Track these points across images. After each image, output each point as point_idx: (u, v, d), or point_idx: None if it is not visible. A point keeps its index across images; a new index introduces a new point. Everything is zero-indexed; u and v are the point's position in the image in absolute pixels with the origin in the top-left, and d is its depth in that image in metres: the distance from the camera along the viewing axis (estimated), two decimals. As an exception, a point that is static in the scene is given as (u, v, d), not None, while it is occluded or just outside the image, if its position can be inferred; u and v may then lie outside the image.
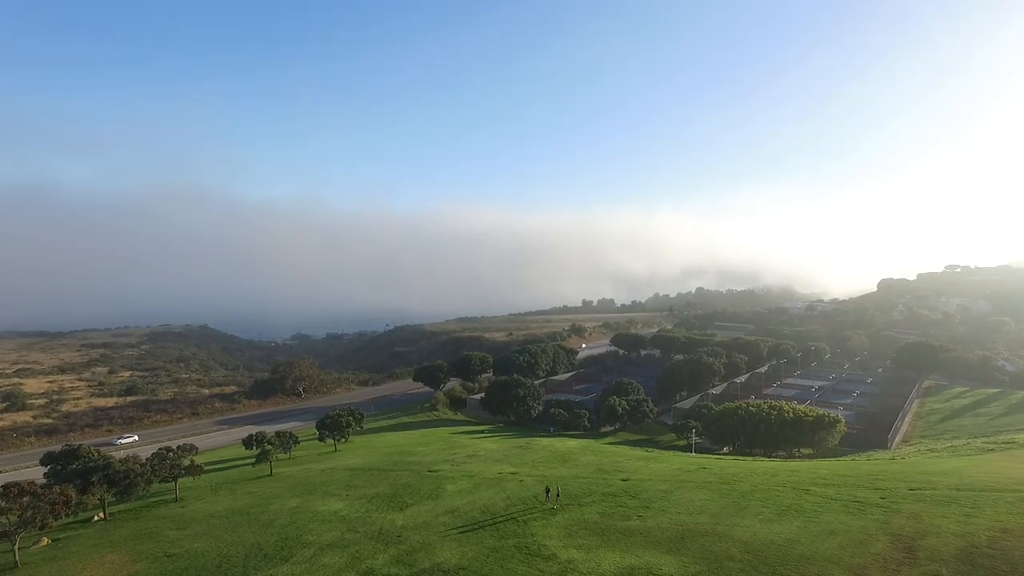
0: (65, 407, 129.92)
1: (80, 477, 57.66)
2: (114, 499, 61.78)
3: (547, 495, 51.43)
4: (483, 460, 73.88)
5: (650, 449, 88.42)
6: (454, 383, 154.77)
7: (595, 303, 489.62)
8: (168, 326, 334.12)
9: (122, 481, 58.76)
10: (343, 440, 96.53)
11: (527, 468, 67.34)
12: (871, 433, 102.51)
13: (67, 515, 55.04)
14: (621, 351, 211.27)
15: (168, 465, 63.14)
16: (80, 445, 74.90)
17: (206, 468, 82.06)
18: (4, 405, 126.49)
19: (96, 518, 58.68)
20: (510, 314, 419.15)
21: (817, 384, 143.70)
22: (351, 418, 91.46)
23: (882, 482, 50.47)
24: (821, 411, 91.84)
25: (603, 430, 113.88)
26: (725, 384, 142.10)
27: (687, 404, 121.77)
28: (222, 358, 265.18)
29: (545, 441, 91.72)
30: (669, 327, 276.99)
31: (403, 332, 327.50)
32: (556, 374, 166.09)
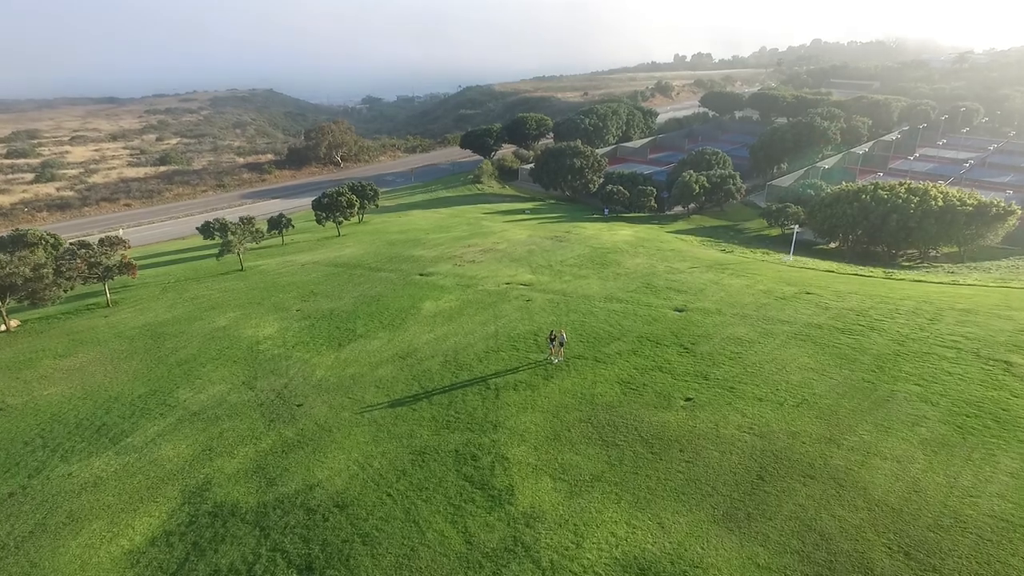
0: (94, 178, 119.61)
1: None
2: (24, 305, 48.60)
3: (551, 344, 31.78)
4: (498, 258, 54.79)
5: (729, 246, 65.74)
6: (507, 151, 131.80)
7: (688, 59, 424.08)
8: (234, 90, 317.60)
9: (12, 288, 44.51)
10: (361, 219, 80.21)
11: (547, 277, 47.67)
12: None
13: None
14: (712, 113, 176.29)
15: (86, 265, 48.21)
16: (29, 231, 61.94)
17: (186, 256, 68.78)
18: (34, 176, 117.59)
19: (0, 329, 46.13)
20: (591, 72, 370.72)
21: (968, 157, 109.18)
22: (354, 197, 73.02)
23: None
24: (986, 198, 63.87)
25: (674, 211, 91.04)
26: (839, 155, 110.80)
27: (786, 182, 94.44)
28: (284, 123, 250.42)
29: (592, 228, 70.86)
30: (773, 85, 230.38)
31: (471, 93, 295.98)
32: (629, 140, 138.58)
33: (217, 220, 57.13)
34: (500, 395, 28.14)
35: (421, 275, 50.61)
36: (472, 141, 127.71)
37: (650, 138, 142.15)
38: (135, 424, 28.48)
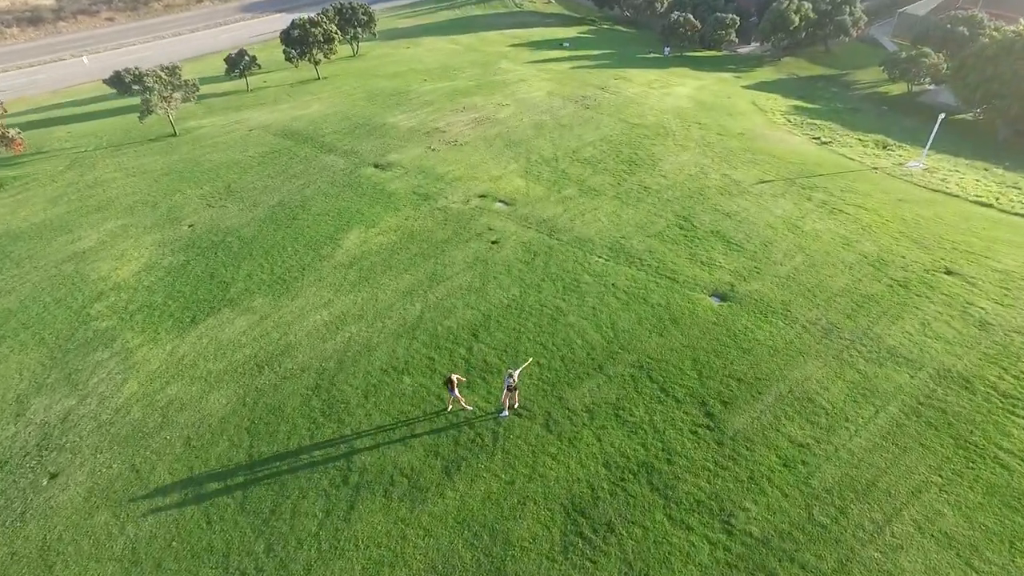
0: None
1: None
2: None
3: (450, 392, 17.85)
4: (491, 139, 38.58)
5: (827, 127, 45.24)
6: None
7: None
8: None
9: None
10: (355, 52, 62.75)
11: (542, 188, 31.90)
12: None
13: None
14: None
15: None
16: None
17: (135, 104, 54.63)
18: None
19: None
20: None
21: None
22: (333, 28, 54.92)
23: None
24: None
25: (760, 51, 67.46)
26: (1011, -37, 78.16)
27: (923, 8, 66.90)
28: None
29: (640, 80, 51.26)
30: None
31: None
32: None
33: (128, 71, 42.07)
34: (355, 509, 15.62)
35: (376, 166, 35.87)
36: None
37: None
38: None
